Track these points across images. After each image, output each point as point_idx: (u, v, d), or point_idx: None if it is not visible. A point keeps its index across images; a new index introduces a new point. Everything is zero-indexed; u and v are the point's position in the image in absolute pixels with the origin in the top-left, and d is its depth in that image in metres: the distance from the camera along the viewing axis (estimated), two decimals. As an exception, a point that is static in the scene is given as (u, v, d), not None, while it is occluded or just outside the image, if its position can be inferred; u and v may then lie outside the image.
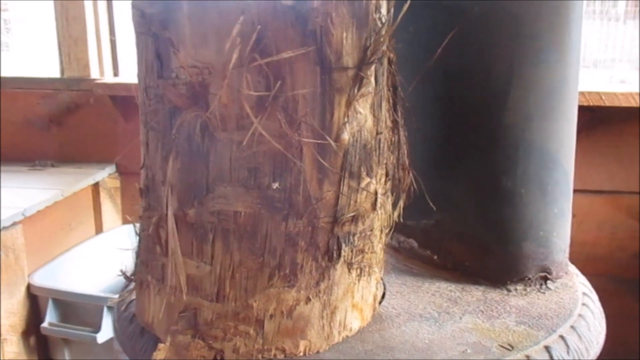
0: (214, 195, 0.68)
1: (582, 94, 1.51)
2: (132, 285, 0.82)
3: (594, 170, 1.66)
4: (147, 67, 0.69)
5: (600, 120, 1.64)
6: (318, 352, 0.73)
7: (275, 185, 0.67)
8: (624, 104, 1.57)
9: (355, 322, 0.76)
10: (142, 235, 0.76)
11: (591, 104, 1.56)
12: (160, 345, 0.71)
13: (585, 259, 1.60)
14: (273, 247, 0.69)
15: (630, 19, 1.82)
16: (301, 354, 0.72)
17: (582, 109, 0.94)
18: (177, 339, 0.71)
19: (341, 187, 0.70)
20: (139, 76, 0.71)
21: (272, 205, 0.68)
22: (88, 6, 1.91)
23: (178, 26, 0.65)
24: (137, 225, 0.77)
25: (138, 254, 0.78)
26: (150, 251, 0.74)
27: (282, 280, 0.69)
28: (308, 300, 0.71)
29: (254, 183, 0.67)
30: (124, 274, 0.81)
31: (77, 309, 1.63)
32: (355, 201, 0.71)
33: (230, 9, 0.63)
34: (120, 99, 1.93)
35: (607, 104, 1.57)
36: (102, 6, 1.94)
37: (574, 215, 0.94)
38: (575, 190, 0.93)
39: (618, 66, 1.85)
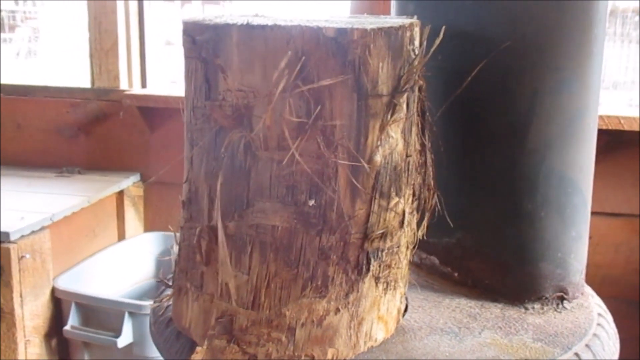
0: (254, 210, 0.73)
1: (601, 117, 1.54)
2: (169, 291, 0.87)
3: (611, 193, 1.69)
4: (195, 89, 0.74)
5: (618, 144, 1.67)
6: (345, 360, 0.77)
7: (311, 202, 0.72)
8: (643, 129, 1.60)
9: (380, 334, 0.81)
10: (182, 244, 0.81)
11: (610, 127, 1.59)
12: (198, 349, 0.75)
13: (601, 281, 1.62)
14: (307, 259, 0.73)
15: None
16: (329, 361, 0.76)
17: (600, 133, 0.98)
18: (213, 343, 0.76)
19: (372, 205, 0.74)
20: (186, 97, 0.76)
21: (307, 221, 0.72)
22: (120, 19, 1.98)
23: (227, 53, 0.70)
24: (177, 234, 0.82)
25: (177, 262, 0.82)
26: (190, 260, 0.79)
27: (314, 291, 0.74)
28: (337, 311, 0.75)
29: (291, 199, 0.72)
30: (162, 280, 0.85)
31: (99, 314, 1.68)
32: (385, 219, 0.76)
33: (276, 38, 0.68)
34: (147, 110, 1.99)
35: (626, 128, 1.60)
36: (134, 20, 2.01)
37: (590, 237, 0.98)
38: (592, 213, 0.97)
39: (638, 88, 1.87)
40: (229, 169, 0.73)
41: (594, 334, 0.85)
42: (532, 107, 0.88)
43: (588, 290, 0.98)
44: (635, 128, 1.60)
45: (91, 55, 2.02)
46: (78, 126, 2.07)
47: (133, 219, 2.05)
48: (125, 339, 1.62)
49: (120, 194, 1.99)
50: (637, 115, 1.61)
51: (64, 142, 2.08)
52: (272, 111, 0.69)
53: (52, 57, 2.57)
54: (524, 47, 0.87)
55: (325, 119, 0.70)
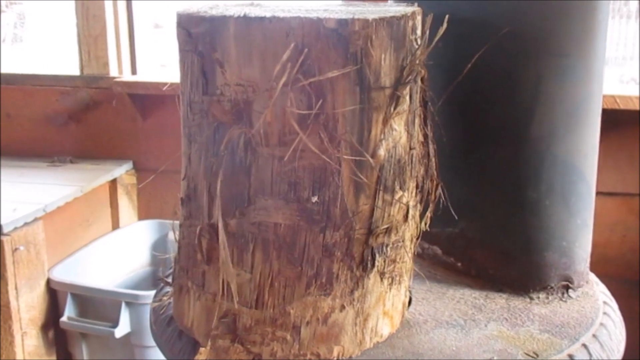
0: (255, 207, 0.71)
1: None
2: (168, 289, 0.85)
3: (606, 172, 1.67)
4: (192, 83, 0.71)
5: (613, 123, 1.65)
6: (351, 357, 0.76)
7: (314, 198, 0.70)
8: (639, 108, 1.59)
9: (385, 329, 0.79)
10: (182, 242, 0.79)
11: (606, 106, 1.57)
12: (202, 349, 0.74)
13: (596, 261, 1.61)
14: (311, 257, 0.72)
15: (642, 18, 1.83)
16: (335, 359, 0.75)
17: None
18: (217, 343, 0.74)
19: (376, 200, 0.72)
20: (182, 91, 0.74)
21: (310, 218, 0.71)
22: (108, 5, 1.94)
23: (224, 46, 0.68)
24: (177, 232, 0.80)
25: (177, 260, 0.81)
26: (190, 258, 0.77)
27: (319, 288, 0.73)
28: (342, 307, 0.74)
29: (293, 196, 0.70)
30: (162, 278, 0.83)
31: (96, 304, 1.66)
32: (389, 214, 0.74)
33: (275, 30, 0.66)
34: (138, 97, 1.95)
35: (622, 107, 1.58)
36: (122, 5, 1.97)
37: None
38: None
39: (629, 64, 1.86)
40: (229, 165, 0.70)
41: (601, 323, 0.84)
42: (536, 94, 0.86)
43: (593, 278, 0.97)
44: (631, 107, 1.59)
45: (79, 42, 1.98)
46: (68, 114, 2.04)
47: (127, 207, 2.03)
48: (122, 328, 1.61)
49: (114, 183, 1.97)
50: (633, 94, 1.59)
51: (55, 131, 2.05)
52: (273, 106, 0.66)
53: (39, 44, 2.51)
54: (527, 33, 0.85)
55: (328, 113, 0.68)
